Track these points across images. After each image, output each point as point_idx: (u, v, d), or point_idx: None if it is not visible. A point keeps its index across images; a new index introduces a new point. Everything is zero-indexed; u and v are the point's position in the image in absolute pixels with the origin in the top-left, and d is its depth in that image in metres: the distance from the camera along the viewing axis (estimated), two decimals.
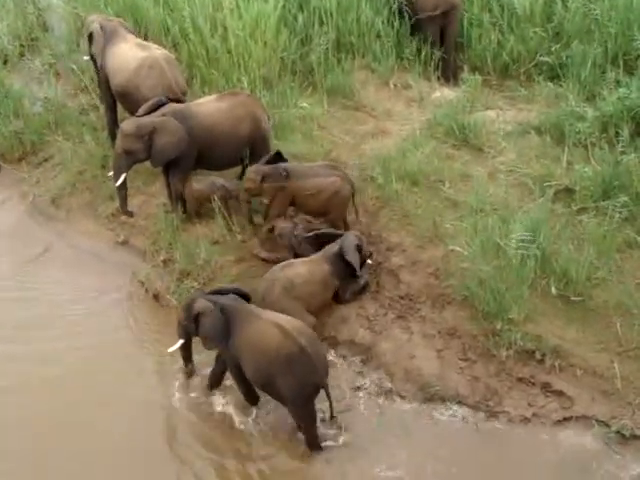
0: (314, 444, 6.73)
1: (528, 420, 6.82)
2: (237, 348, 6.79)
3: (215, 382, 7.26)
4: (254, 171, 8.16)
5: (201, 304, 6.94)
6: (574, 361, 7.00)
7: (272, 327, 6.67)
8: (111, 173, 8.57)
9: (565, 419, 6.80)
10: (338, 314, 7.70)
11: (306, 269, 7.53)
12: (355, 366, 7.37)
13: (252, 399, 7.09)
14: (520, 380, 7.02)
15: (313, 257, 7.70)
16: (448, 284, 7.62)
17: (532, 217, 7.64)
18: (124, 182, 8.44)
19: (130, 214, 8.73)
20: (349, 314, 7.69)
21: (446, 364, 7.19)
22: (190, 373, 7.40)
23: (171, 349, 7.24)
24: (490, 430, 6.79)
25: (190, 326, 7.02)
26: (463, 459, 6.61)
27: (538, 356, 7.06)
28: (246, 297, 7.13)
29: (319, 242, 7.86)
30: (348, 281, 7.67)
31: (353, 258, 7.53)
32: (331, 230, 7.97)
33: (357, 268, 7.55)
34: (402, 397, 7.08)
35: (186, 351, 7.32)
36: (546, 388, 6.95)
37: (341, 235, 7.78)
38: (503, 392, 6.98)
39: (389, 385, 7.15)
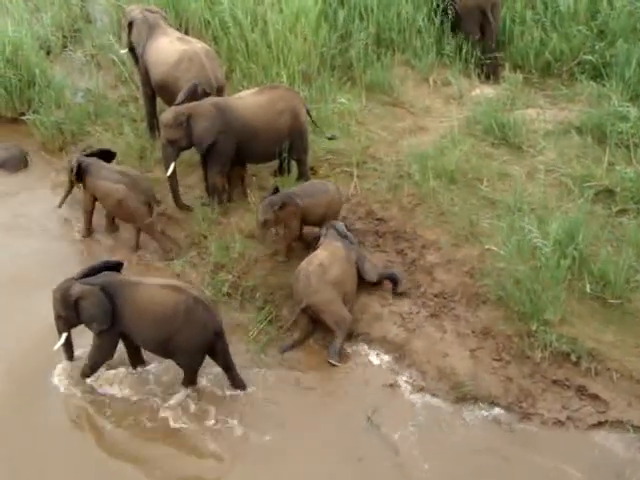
0: (192, 381, 7.06)
1: (562, 423, 6.73)
2: (127, 320, 6.86)
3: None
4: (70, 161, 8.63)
5: (78, 288, 6.88)
6: (610, 365, 6.91)
7: (161, 288, 6.88)
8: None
9: (600, 423, 6.70)
10: (372, 311, 7.68)
11: (327, 252, 7.59)
12: (388, 363, 7.34)
13: (94, 371, 7.13)
14: (554, 382, 6.94)
15: (322, 244, 7.74)
16: (483, 283, 7.56)
17: (571, 218, 7.57)
18: (174, 173, 8.51)
19: (187, 208, 8.71)
20: (382, 311, 7.66)
21: (479, 364, 7.13)
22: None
23: (56, 346, 7.11)
24: (523, 432, 6.72)
25: (71, 315, 6.96)
26: (494, 460, 6.55)
27: (573, 358, 6.98)
28: (118, 266, 7.23)
29: None
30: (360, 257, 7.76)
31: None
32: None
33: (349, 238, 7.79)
34: (434, 395, 7.03)
35: (68, 345, 7.20)
36: (581, 391, 6.86)
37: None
38: (537, 394, 6.90)
39: (422, 383, 7.11)
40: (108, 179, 8.44)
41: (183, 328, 6.79)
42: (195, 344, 6.86)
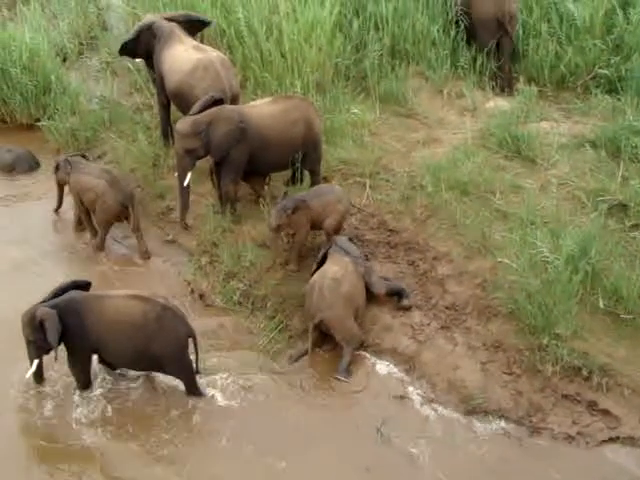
0: (196, 392, 7.02)
1: (572, 438, 6.68)
2: (97, 335, 6.84)
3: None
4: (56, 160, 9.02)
5: (42, 311, 6.81)
6: (622, 380, 6.85)
7: (127, 300, 6.86)
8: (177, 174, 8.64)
9: (611, 439, 6.64)
10: (382, 322, 7.66)
11: (337, 266, 7.55)
12: (398, 375, 7.31)
13: (88, 386, 7.11)
14: (565, 397, 6.89)
15: (329, 260, 7.67)
16: (495, 296, 7.52)
17: (584, 232, 7.52)
18: (188, 185, 8.51)
19: (186, 226, 8.75)
20: (393, 323, 7.64)
21: (490, 377, 7.09)
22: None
23: (29, 374, 6.99)
24: (532, 446, 6.67)
25: (39, 337, 6.85)
26: (504, 475, 6.51)
27: (585, 373, 6.92)
28: (86, 286, 7.19)
29: None
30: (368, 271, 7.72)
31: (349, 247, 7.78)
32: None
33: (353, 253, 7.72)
34: (444, 408, 6.99)
35: (39, 370, 7.09)
36: (592, 406, 6.81)
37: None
38: (547, 408, 6.85)
39: (431, 395, 7.08)
40: (91, 174, 8.63)
41: (156, 337, 6.78)
42: (173, 350, 6.86)
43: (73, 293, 7.01)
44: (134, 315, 6.81)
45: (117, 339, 6.85)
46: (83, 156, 9.13)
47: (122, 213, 8.55)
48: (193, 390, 7.05)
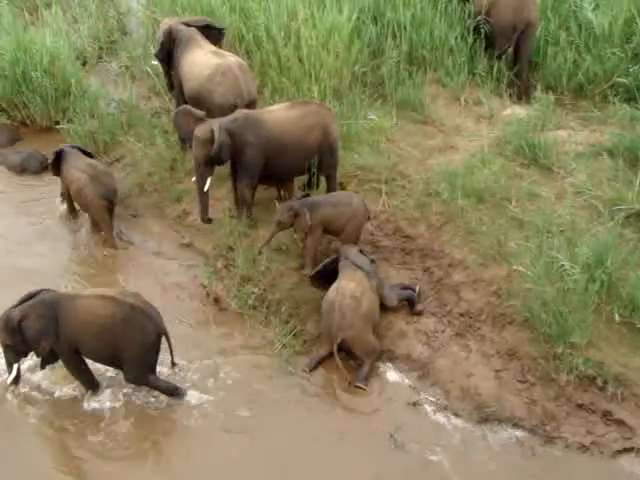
0: (169, 389, 7.10)
1: (586, 448, 6.66)
2: (72, 333, 6.89)
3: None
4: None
5: (17, 311, 6.86)
6: (637, 390, 6.82)
7: (97, 300, 6.91)
8: (194, 179, 8.67)
9: (625, 450, 6.62)
10: (397, 328, 7.66)
11: (354, 283, 7.49)
12: (411, 381, 7.31)
13: (94, 384, 7.17)
14: (580, 406, 6.87)
15: (343, 275, 7.61)
16: (510, 304, 7.51)
17: (600, 241, 7.49)
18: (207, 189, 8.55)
19: (209, 220, 8.78)
20: (407, 329, 7.64)
21: (504, 385, 7.08)
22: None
23: (10, 379, 7.06)
24: (546, 455, 6.64)
25: (17, 340, 6.88)
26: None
27: (599, 383, 6.90)
28: None
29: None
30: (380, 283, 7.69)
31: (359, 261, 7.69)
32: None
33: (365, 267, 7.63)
34: (457, 415, 6.99)
35: (17, 375, 7.11)
36: (606, 416, 6.78)
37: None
38: (561, 417, 6.83)
39: (445, 402, 7.08)
40: (77, 168, 8.85)
41: (125, 338, 6.83)
42: (141, 350, 6.91)
43: (44, 294, 7.03)
44: (103, 317, 6.86)
45: (90, 339, 6.91)
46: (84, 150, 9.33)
47: (106, 207, 8.76)
48: (164, 388, 7.07)
